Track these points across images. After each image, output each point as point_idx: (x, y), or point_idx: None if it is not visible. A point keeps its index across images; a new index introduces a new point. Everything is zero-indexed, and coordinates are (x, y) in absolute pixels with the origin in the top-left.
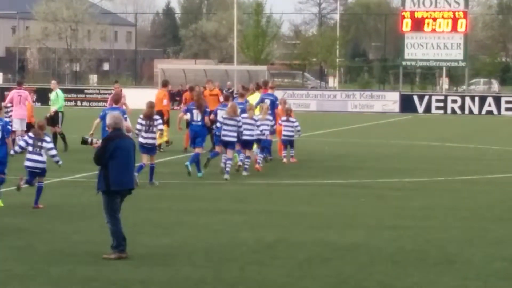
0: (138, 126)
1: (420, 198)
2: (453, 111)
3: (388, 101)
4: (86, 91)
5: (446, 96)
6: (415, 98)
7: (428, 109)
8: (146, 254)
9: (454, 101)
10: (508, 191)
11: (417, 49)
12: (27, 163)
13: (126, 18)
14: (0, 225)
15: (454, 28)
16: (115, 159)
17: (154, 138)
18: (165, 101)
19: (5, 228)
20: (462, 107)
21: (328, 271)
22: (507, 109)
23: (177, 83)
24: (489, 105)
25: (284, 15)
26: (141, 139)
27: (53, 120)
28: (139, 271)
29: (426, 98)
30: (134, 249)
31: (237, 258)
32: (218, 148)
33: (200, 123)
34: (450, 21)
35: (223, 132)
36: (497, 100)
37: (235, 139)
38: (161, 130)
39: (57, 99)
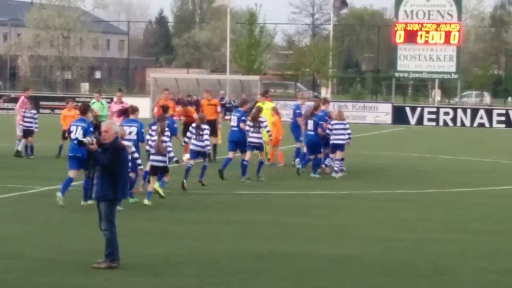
0: (189, 134)
1: (412, 210)
2: (445, 123)
3: (380, 112)
4: (77, 99)
5: (438, 108)
6: (408, 109)
7: (420, 121)
8: (137, 263)
9: (446, 113)
10: (500, 204)
11: (410, 61)
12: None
13: (118, 26)
14: None
15: (447, 40)
16: (124, 168)
17: (260, 138)
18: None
19: None
20: (454, 119)
21: (322, 283)
22: (498, 122)
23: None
24: (481, 118)
25: (277, 25)
26: (192, 146)
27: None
28: (129, 281)
29: (419, 110)
30: (124, 259)
31: (229, 269)
32: (231, 154)
33: (236, 128)
34: (443, 33)
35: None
36: (489, 113)
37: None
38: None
39: (103, 108)
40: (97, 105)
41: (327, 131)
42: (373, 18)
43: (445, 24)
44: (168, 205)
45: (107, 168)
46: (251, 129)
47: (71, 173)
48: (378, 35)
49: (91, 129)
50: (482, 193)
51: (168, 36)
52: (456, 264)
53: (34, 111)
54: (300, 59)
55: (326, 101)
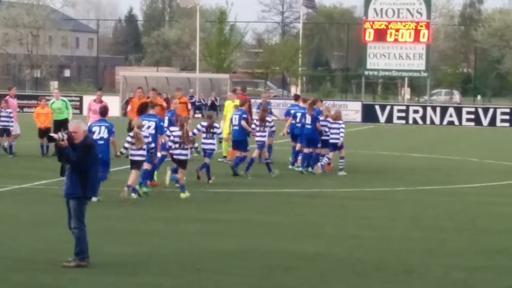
0: (253, 126)
1: (381, 208)
2: (415, 121)
3: (350, 110)
4: (47, 97)
5: (407, 106)
6: (377, 108)
7: (389, 119)
8: (106, 262)
9: (416, 111)
10: (468, 202)
11: (379, 59)
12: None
13: (88, 24)
14: None
15: (416, 39)
16: (94, 166)
17: (265, 136)
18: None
19: None
20: (423, 117)
21: (290, 281)
22: (468, 120)
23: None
24: (450, 116)
25: (247, 23)
26: (203, 145)
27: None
28: (98, 280)
29: (388, 108)
30: (94, 258)
31: (198, 267)
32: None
33: (237, 127)
34: (412, 31)
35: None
36: (458, 111)
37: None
38: (221, 138)
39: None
40: (58, 103)
41: (326, 129)
42: (342, 17)
43: (415, 22)
44: (138, 204)
45: (76, 166)
46: (257, 128)
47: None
48: (347, 34)
49: (114, 129)
50: (451, 191)
51: (137, 34)
52: (425, 262)
53: (9, 110)
54: (270, 58)
55: (297, 97)
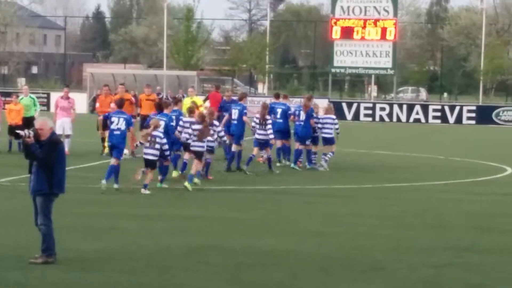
0: (253, 124)
1: (349, 205)
2: (381, 118)
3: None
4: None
5: (374, 104)
6: (344, 105)
7: (356, 117)
8: (73, 259)
9: (383, 109)
10: (435, 199)
11: (346, 57)
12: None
13: (55, 21)
14: None
15: (383, 36)
16: (61, 162)
17: (267, 135)
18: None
19: None
20: (390, 115)
21: (257, 278)
22: (434, 117)
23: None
24: (417, 113)
25: (214, 20)
26: (256, 135)
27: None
28: (66, 276)
29: (355, 105)
30: (61, 254)
31: (164, 264)
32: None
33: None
34: (379, 29)
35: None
36: (425, 108)
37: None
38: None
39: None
40: (26, 100)
41: (319, 125)
42: (309, 14)
43: (381, 20)
44: (103, 201)
45: (42, 162)
46: (257, 126)
47: (114, 161)
48: (314, 31)
49: (132, 120)
50: (417, 188)
51: (105, 31)
52: (392, 259)
53: None
54: (237, 55)
55: (278, 96)
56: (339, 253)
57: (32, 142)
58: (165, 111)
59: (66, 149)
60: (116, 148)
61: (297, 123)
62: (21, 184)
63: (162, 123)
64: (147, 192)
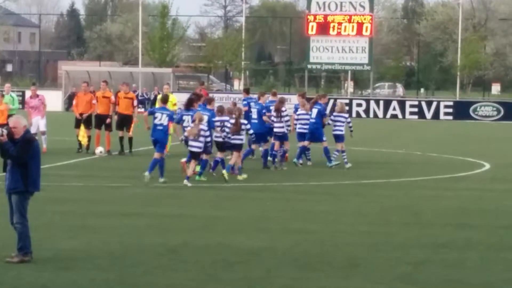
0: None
1: (326, 202)
2: (358, 114)
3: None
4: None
5: (351, 100)
6: None
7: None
8: (49, 257)
9: (359, 105)
10: (413, 195)
11: (322, 53)
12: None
13: (30, 19)
14: None
15: (359, 32)
16: (35, 160)
17: (283, 127)
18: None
19: None
20: (367, 111)
21: (233, 275)
22: (411, 113)
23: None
24: (394, 109)
25: (190, 17)
26: (275, 129)
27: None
28: (42, 275)
29: (331, 101)
30: (37, 253)
31: (141, 262)
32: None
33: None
34: (355, 25)
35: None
36: (402, 104)
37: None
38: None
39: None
40: (7, 98)
41: (329, 121)
42: (285, 10)
43: (357, 15)
44: (82, 199)
45: (16, 160)
46: (275, 119)
47: (157, 155)
48: (290, 27)
49: (174, 116)
50: (395, 184)
51: (79, 28)
52: (370, 256)
53: None
54: (213, 51)
55: (272, 94)
56: (317, 249)
57: (6, 141)
58: (208, 107)
59: (44, 146)
60: (159, 142)
61: (311, 120)
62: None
63: (206, 117)
64: (189, 184)
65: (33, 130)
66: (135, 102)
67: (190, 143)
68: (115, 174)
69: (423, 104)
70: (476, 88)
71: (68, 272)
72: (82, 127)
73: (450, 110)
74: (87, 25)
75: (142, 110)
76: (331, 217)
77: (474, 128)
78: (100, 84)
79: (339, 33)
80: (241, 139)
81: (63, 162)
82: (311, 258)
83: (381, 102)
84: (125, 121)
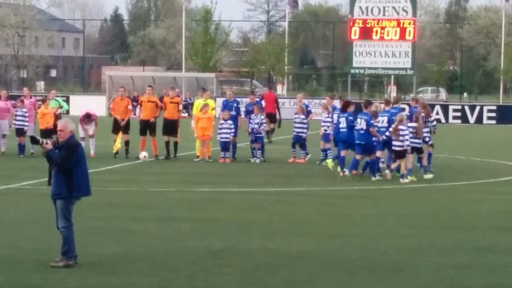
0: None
1: (369, 206)
2: None
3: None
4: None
5: None
6: None
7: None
8: (93, 262)
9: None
10: (456, 199)
11: (365, 57)
12: None
13: (74, 24)
14: None
15: (402, 37)
16: (80, 166)
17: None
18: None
19: None
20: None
21: (276, 279)
22: (454, 117)
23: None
24: (437, 113)
25: (232, 22)
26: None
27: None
28: (86, 280)
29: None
30: (81, 258)
31: (184, 266)
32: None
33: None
34: (398, 29)
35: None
36: (445, 108)
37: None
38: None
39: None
40: (53, 103)
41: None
42: (328, 15)
43: (400, 20)
44: (125, 204)
45: (60, 167)
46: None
47: (358, 156)
48: (333, 32)
49: (372, 121)
50: (438, 188)
51: (123, 34)
52: (413, 260)
53: (24, 110)
54: (256, 56)
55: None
56: (359, 254)
57: (50, 148)
58: (365, 111)
59: (92, 151)
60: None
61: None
62: (41, 187)
63: (404, 116)
64: (406, 180)
65: (81, 135)
66: (181, 107)
67: (393, 142)
68: (158, 179)
69: (466, 109)
70: None
71: (112, 277)
72: (120, 133)
73: (494, 114)
74: (131, 30)
75: (186, 115)
76: (374, 221)
77: None
78: (145, 89)
79: (382, 38)
80: (420, 143)
81: (107, 167)
82: (353, 262)
83: None
84: (171, 126)
